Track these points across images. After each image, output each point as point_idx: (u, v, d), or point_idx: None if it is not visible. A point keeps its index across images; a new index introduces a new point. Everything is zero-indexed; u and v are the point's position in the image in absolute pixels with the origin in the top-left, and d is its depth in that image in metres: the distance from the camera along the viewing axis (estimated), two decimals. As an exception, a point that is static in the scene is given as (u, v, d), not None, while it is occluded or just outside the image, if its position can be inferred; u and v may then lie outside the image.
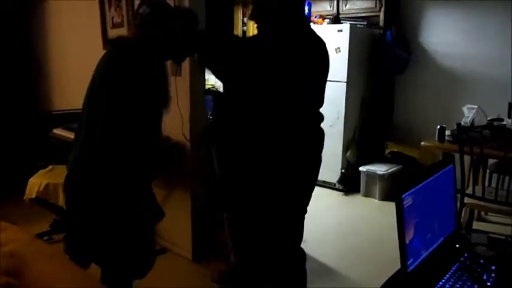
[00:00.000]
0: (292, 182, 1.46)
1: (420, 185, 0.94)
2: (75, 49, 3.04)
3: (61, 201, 2.25)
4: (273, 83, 1.36)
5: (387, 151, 3.68)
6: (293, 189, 1.49)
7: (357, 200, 3.51)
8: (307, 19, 1.49)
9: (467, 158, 2.42)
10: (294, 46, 1.37)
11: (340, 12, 3.89)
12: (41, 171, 2.42)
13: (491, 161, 2.72)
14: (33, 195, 2.28)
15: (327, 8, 3.97)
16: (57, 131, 2.56)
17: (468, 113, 2.70)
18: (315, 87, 1.46)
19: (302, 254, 1.65)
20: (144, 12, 1.41)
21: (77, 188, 1.43)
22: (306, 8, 3.83)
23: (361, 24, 3.71)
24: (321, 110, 1.53)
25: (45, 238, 2.46)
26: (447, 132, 2.66)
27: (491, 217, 3.03)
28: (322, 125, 1.53)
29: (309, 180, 1.53)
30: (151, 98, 1.41)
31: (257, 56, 1.38)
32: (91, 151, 1.38)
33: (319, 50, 1.44)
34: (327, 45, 1.48)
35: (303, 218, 1.59)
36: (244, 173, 1.52)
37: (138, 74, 1.36)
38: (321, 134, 1.51)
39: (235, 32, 4.21)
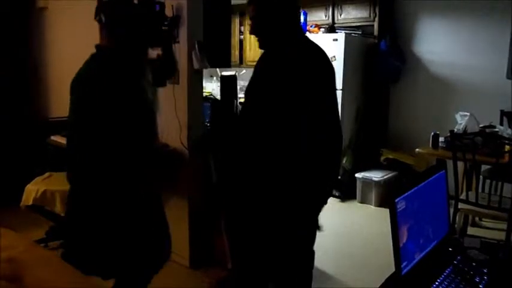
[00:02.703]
0: (304, 188, 1.47)
1: (413, 189, 0.97)
2: (73, 56, 3.04)
3: (58, 208, 2.24)
4: (286, 101, 1.39)
5: (382, 158, 3.72)
6: (304, 194, 1.48)
7: (353, 206, 3.53)
8: (303, 30, 1.54)
9: (460, 164, 2.46)
10: (300, 62, 1.41)
11: (335, 21, 3.96)
12: (38, 178, 2.42)
13: (484, 167, 2.76)
14: (30, 202, 2.27)
15: (322, 18, 4.04)
16: (55, 138, 2.57)
17: (461, 120, 2.75)
18: (323, 98, 1.46)
19: (312, 258, 1.64)
20: (105, 16, 1.35)
21: (80, 197, 1.42)
22: (302, 18, 3.91)
23: (356, 34, 3.77)
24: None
25: (42, 245, 2.44)
26: (441, 139, 2.70)
27: (485, 222, 3.06)
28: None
29: (320, 184, 1.51)
30: (137, 102, 1.38)
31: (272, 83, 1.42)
32: (86, 163, 1.36)
33: (323, 62, 1.47)
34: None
35: (315, 220, 1.57)
36: (248, 179, 1.54)
37: (120, 81, 1.34)
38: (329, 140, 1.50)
39: (232, 41, 4.27)
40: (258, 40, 1.49)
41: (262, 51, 1.52)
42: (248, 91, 1.54)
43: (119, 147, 1.36)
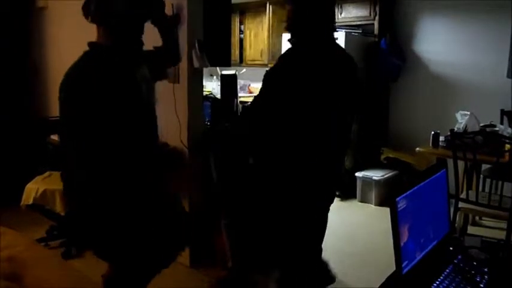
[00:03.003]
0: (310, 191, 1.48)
1: (414, 188, 0.96)
2: (73, 56, 3.05)
3: (58, 207, 2.25)
4: (301, 103, 1.41)
5: (383, 157, 3.72)
6: (313, 192, 1.49)
7: (353, 205, 3.53)
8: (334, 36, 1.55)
9: (461, 164, 2.46)
10: (326, 65, 1.44)
11: (336, 20, 3.95)
12: (38, 177, 2.42)
13: (484, 166, 2.76)
14: (30, 201, 2.28)
15: (322, 17, 4.04)
16: (55, 137, 2.57)
17: (461, 119, 2.74)
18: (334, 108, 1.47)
19: (319, 256, 1.65)
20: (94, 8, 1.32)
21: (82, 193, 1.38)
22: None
23: (356, 32, 3.77)
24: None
25: (42, 244, 2.44)
26: (441, 138, 2.70)
27: (486, 222, 3.06)
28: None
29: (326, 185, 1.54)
30: (128, 100, 1.34)
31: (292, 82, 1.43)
32: (76, 164, 1.33)
33: (347, 67, 1.49)
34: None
35: (324, 218, 1.59)
36: (256, 177, 1.54)
37: (111, 77, 1.30)
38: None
39: (232, 40, 4.26)
40: (290, 37, 1.52)
41: (287, 47, 1.54)
42: (267, 86, 1.51)
43: (110, 147, 1.30)
